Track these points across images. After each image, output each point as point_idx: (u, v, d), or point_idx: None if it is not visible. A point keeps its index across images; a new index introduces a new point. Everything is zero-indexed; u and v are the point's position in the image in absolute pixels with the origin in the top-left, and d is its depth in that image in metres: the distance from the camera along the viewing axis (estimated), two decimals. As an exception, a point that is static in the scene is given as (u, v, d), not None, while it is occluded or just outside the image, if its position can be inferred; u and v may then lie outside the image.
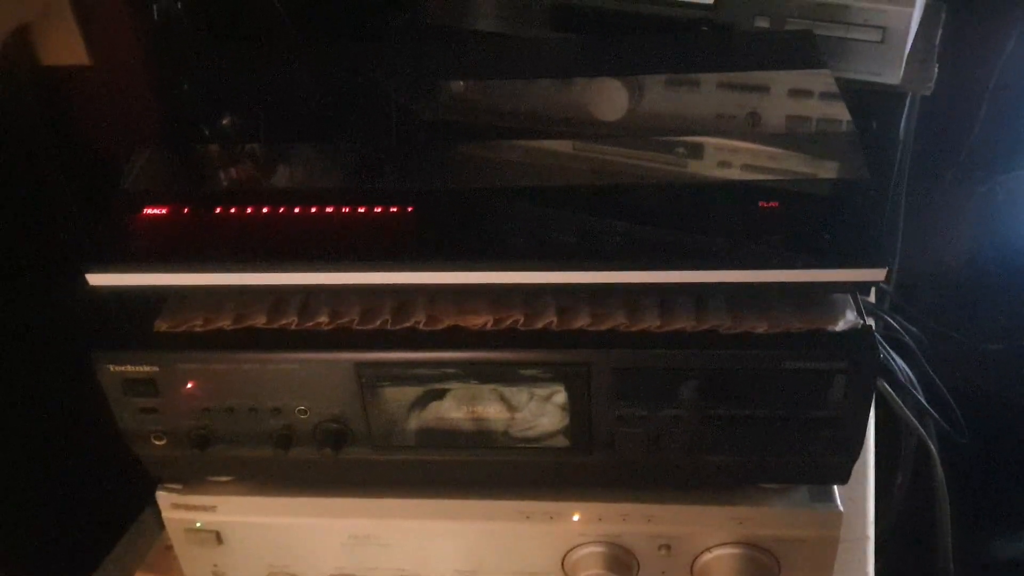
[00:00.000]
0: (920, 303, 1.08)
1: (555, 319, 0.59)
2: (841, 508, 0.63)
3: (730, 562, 0.65)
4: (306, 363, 0.60)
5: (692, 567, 0.67)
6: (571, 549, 0.67)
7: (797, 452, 0.60)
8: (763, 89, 0.70)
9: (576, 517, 0.66)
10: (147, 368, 0.61)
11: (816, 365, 0.57)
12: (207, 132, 0.70)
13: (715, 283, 0.55)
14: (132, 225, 0.60)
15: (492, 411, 0.61)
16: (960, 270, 1.17)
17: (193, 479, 0.69)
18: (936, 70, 0.85)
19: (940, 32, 0.91)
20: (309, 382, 0.61)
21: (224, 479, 0.69)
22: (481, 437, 0.62)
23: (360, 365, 0.60)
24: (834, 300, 0.59)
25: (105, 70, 0.80)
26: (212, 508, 0.69)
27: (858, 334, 0.57)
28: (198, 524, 0.70)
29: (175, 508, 0.69)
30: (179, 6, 0.79)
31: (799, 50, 0.75)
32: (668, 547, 0.66)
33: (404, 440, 0.63)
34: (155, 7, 0.78)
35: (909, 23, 0.79)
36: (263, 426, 0.63)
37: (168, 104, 0.79)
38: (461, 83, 0.74)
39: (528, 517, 0.66)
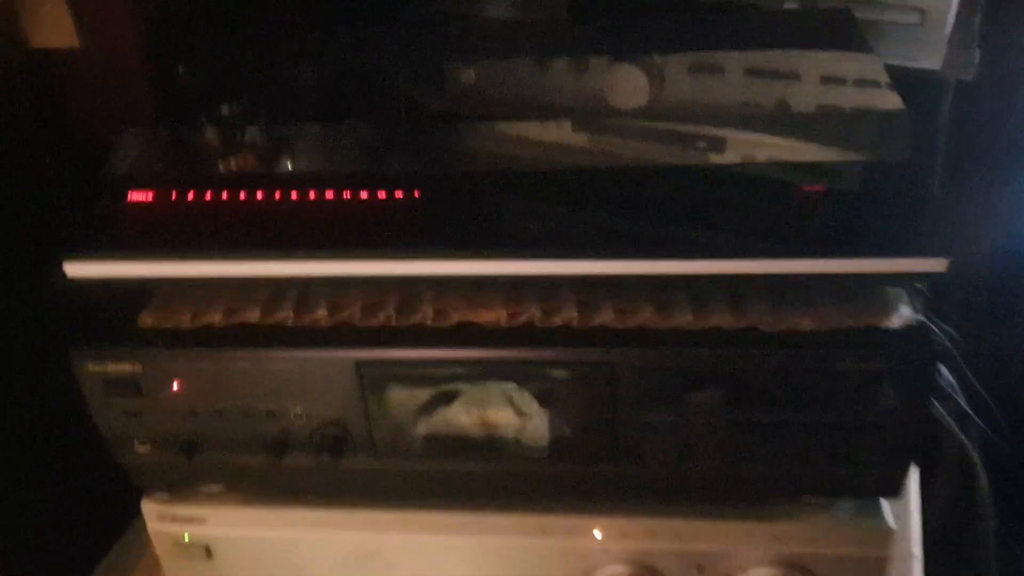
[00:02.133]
0: (954, 302, 1.02)
1: (575, 315, 0.54)
2: (892, 524, 0.57)
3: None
4: (303, 362, 0.55)
5: (726, 587, 0.61)
6: (593, 569, 0.61)
7: (844, 462, 0.55)
8: (801, 72, 0.64)
9: (597, 533, 0.60)
10: (130, 366, 0.56)
11: (869, 365, 0.51)
12: (202, 118, 0.64)
13: (756, 274, 0.50)
14: (114, 211, 0.55)
15: (505, 416, 0.56)
16: (997, 265, 1.10)
17: (181, 488, 0.63)
18: (978, 54, 0.80)
19: (979, 15, 0.86)
20: (306, 382, 0.55)
21: (214, 488, 0.63)
22: (493, 444, 0.57)
23: (361, 364, 0.54)
24: (885, 294, 0.53)
25: (96, 52, 0.75)
26: (201, 520, 0.64)
27: (914, 331, 0.52)
28: (186, 537, 0.64)
29: (161, 520, 0.64)
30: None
31: (839, 30, 0.69)
32: (700, 567, 0.60)
33: (409, 447, 0.57)
34: (148, -17, 0.73)
35: (949, 4, 0.74)
36: (256, 430, 0.57)
37: (162, 89, 0.74)
38: (472, 68, 0.69)
39: (545, 532, 0.61)
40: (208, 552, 0.64)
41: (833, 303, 0.53)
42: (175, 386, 0.56)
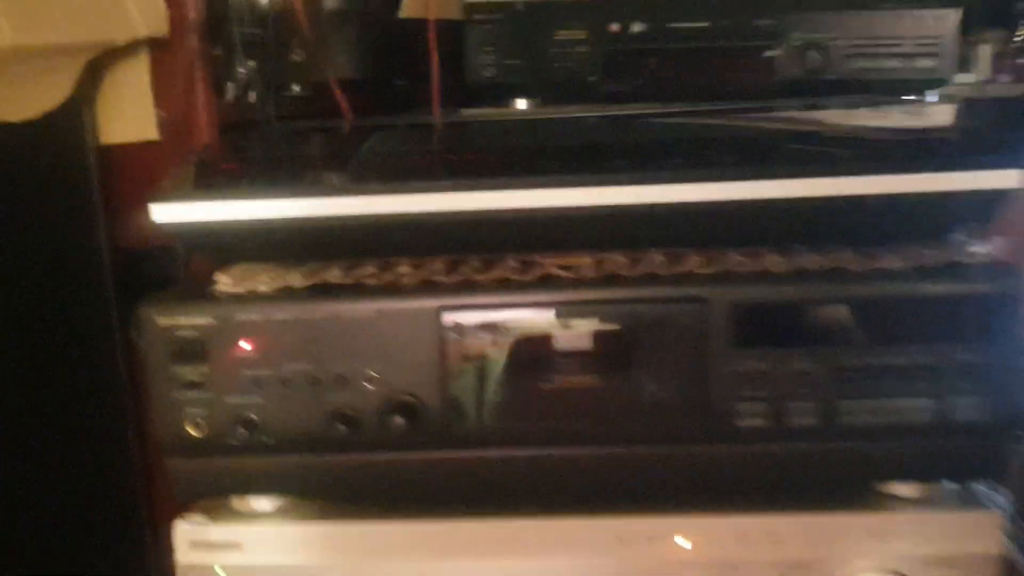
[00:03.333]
0: None
1: (663, 259, 0.54)
2: (1000, 513, 0.53)
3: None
4: (382, 312, 0.53)
5: (827, 612, 0.54)
6: (678, 587, 0.55)
7: (942, 426, 0.52)
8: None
9: (682, 541, 0.55)
10: (200, 321, 0.54)
11: (958, 288, 0.51)
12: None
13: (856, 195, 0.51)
14: (202, 173, 0.57)
15: (589, 379, 0.53)
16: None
17: (226, 493, 0.58)
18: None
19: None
20: (383, 337, 0.53)
21: (259, 506, 0.58)
22: (577, 412, 0.54)
23: (443, 309, 0.53)
24: (962, 238, 0.54)
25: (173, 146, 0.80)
26: (237, 546, 0.57)
27: (995, 263, 0.52)
28: (218, 570, 0.57)
29: (194, 548, 0.57)
30: (251, 88, 0.80)
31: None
32: (797, 577, 0.54)
33: (487, 419, 0.54)
34: (228, 86, 0.80)
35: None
36: (323, 402, 0.54)
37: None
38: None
39: (623, 541, 0.55)
40: (240, 592, 0.57)
41: (914, 245, 0.54)
42: (243, 345, 0.54)
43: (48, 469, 0.70)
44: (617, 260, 0.54)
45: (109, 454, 0.74)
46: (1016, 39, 1.33)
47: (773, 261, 0.53)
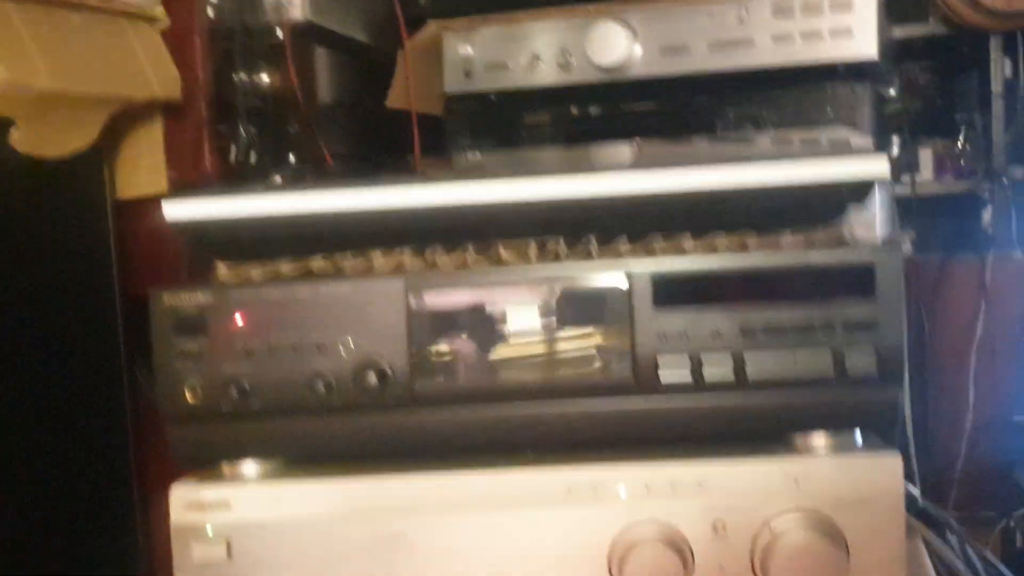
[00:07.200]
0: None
1: (595, 246, 0.63)
2: (897, 453, 0.61)
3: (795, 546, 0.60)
4: (356, 287, 0.62)
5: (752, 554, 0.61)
6: (620, 534, 0.62)
7: (839, 374, 0.60)
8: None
9: (622, 491, 0.62)
10: (200, 298, 0.63)
11: (842, 259, 0.60)
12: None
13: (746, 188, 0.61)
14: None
15: (534, 346, 0.62)
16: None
17: (218, 459, 0.65)
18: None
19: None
20: (356, 310, 0.62)
21: (247, 470, 0.65)
22: (525, 372, 0.62)
23: (408, 279, 0.62)
24: (850, 215, 0.64)
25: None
26: (226, 505, 0.64)
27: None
28: (209, 530, 0.64)
29: (188, 509, 0.64)
30: (253, 150, 0.92)
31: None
32: (723, 522, 0.61)
33: (444, 383, 0.62)
34: (233, 147, 0.92)
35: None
36: (304, 369, 0.62)
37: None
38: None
39: (571, 494, 0.62)
40: (228, 550, 0.64)
41: (808, 226, 0.64)
42: (237, 319, 0.63)
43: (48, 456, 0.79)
44: (558, 246, 0.64)
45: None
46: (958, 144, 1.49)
47: (689, 244, 0.63)
